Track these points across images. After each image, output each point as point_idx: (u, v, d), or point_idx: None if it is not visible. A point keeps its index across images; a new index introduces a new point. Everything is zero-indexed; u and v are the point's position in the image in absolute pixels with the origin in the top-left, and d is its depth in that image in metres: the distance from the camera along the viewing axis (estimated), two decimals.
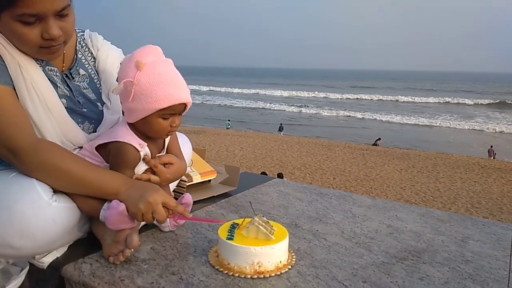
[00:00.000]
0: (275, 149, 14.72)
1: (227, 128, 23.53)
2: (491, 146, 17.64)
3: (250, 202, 1.57)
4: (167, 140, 1.24)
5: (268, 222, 1.07)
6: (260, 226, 1.03)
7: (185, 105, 1.12)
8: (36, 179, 1.01)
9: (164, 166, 1.19)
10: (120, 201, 1.02)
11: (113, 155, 1.12)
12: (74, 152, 1.15)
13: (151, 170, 1.18)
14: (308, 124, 26.73)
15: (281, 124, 23.84)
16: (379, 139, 19.31)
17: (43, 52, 1.06)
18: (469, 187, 10.69)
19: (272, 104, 37.77)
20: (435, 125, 26.94)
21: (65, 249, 1.12)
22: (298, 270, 1.03)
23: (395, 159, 13.92)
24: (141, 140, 1.13)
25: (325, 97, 45.04)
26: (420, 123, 27.64)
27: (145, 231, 1.25)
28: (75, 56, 1.25)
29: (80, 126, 1.20)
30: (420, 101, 41.39)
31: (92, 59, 1.31)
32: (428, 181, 11.18)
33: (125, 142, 1.11)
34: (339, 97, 44.69)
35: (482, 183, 11.14)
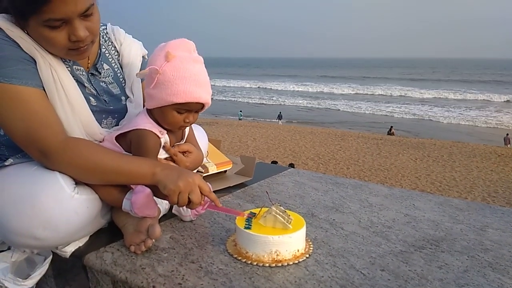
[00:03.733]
0: (287, 140, 14.69)
1: (239, 119, 23.57)
2: (507, 134, 17.32)
3: (266, 192, 1.58)
4: (186, 130, 1.26)
5: (285, 211, 1.08)
6: (278, 215, 1.04)
7: (202, 104, 1.14)
8: (70, 176, 1.03)
9: (183, 155, 1.21)
10: (156, 182, 1.03)
11: (135, 143, 1.14)
12: None
13: (170, 159, 1.20)
14: (320, 120, 26.27)
15: (280, 112, 24.40)
16: (392, 127, 19.14)
17: (72, 53, 1.08)
18: (486, 176, 10.52)
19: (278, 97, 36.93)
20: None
21: (86, 238, 1.15)
22: (316, 258, 1.04)
23: (410, 148, 13.78)
24: (161, 128, 1.15)
25: (331, 92, 41.94)
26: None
27: (164, 220, 1.27)
28: (99, 51, 1.26)
29: (103, 122, 1.22)
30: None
31: (116, 53, 1.33)
32: (444, 170, 11.04)
33: (145, 129, 1.13)
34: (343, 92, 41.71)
35: (499, 171, 10.96)
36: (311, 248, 1.09)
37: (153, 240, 1.06)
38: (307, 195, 1.56)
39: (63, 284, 1.18)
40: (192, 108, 1.12)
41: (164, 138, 1.17)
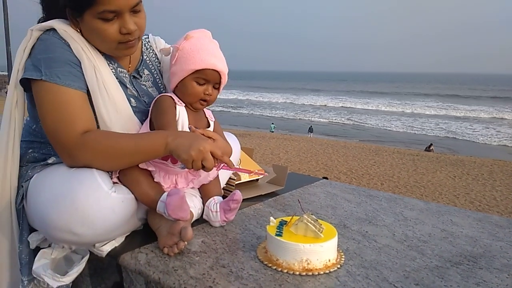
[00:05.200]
0: (320, 153, 14.54)
1: (271, 131, 23.60)
2: None
3: (298, 200, 1.58)
4: (210, 120, 1.32)
5: (317, 220, 1.07)
6: (309, 224, 1.04)
7: (219, 76, 1.23)
8: (96, 168, 1.07)
9: None
10: (169, 152, 1.07)
11: (153, 108, 1.22)
12: None
13: None
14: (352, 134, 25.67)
15: (311, 126, 24.57)
16: (431, 144, 18.55)
17: (121, 47, 1.16)
18: None
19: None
20: None
21: (122, 239, 1.19)
22: (347, 269, 1.02)
23: (448, 165, 13.29)
24: (181, 101, 1.23)
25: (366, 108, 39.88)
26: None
27: (196, 225, 1.29)
28: (141, 58, 1.34)
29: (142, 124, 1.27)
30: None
31: (156, 60, 1.41)
32: (484, 189, 10.56)
33: (164, 94, 1.23)
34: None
35: None
36: (343, 259, 1.07)
37: (186, 242, 1.08)
38: (339, 206, 1.54)
39: (99, 283, 1.22)
40: (210, 77, 1.22)
41: (182, 109, 1.22)
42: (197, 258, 1.07)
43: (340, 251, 1.11)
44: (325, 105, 42.24)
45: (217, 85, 1.26)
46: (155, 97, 1.33)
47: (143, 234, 1.22)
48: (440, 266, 1.06)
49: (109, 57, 1.22)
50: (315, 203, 1.57)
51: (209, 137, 1.23)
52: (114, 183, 1.12)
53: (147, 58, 1.37)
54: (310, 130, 23.54)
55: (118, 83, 1.21)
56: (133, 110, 1.23)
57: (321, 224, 1.07)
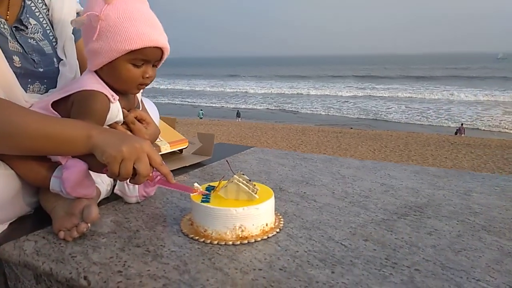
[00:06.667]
0: (249, 136, 14.56)
1: (200, 118, 23.19)
2: (462, 124, 18.09)
3: (227, 160, 1.40)
4: (139, 99, 1.06)
5: (250, 180, 0.91)
6: (241, 184, 0.87)
7: (161, 52, 0.94)
8: None
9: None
10: (92, 147, 0.81)
11: (78, 103, 0.92)
12: None
13: (126, 128, 0.99)
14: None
15: (238, 110, 24.82)
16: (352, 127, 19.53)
17: None
18: (440, 163, 10.86)
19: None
20: None
21: (5, 227, 0.92)
22: (288, 233, 0.88)
23: (368, 140, 14.03)
24: (113, 92, 0.94)
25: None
26: None
27: (106, 203, 1.06)
28: (23, 3, 1.04)
29: (29, 87, 1.00)
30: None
31: (44, 7, 1.12)
32: (401, 159, 11.29)
33: (94, 90, 0.91)
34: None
35: (452, 158, 11.36)
36: (282, 222, 0.92)
37: (88, 224, 0.85)
38: (273, 170, 1.39)
39: None
40: (150, 58, 0.93)
41: (116, 105, 0.96)
42: (103, 240, 0.85)
43: (278, 214, 0.96)
44: (252, 91, 42.31)
45: (157, 62, 0.97)
46: (47, 54, 1.06)
47: (34, 219, 0.96)
48: (386, 219, 0.95)
49: None
50: (247, 170, 1.41)
51: (142, 120, 1.01)
52: None
53: (32, 4, 1.09)
54: (238, 115, 23.64)
55: None
56: (16, 71, 0.95)
57: (255, 185, 0.90)
